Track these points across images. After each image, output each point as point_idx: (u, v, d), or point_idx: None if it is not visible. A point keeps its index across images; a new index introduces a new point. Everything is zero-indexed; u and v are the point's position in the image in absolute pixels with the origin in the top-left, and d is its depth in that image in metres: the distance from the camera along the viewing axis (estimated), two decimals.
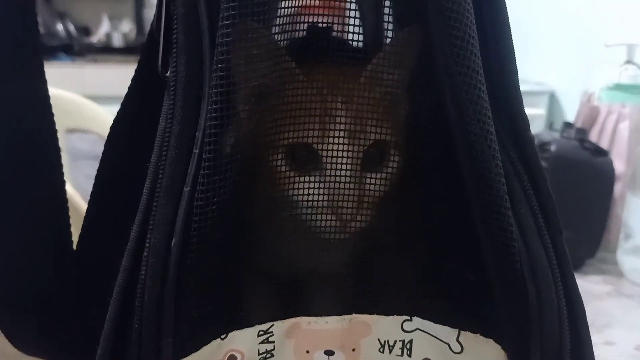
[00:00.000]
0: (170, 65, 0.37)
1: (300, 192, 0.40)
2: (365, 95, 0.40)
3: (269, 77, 0.38)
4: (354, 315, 0.43)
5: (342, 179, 0.40)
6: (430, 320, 0.43)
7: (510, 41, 0.40)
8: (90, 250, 0.45)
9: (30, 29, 0.44)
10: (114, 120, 0.43)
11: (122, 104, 0.43)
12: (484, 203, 0.37)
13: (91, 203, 0.44)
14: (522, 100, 0.40)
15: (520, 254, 0.37)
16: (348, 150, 0.40)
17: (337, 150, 0.40)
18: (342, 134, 0.40)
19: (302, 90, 0.39)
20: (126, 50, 3.07)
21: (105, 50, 3.06)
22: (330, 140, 0.40)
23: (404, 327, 0.43)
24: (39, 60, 0.45)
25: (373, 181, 0.41)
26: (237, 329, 0.40)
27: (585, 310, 0.40)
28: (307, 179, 0.41)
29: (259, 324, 0.41)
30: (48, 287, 0.45)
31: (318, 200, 0.40)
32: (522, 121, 0.40)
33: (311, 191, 0.40)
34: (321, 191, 0.40)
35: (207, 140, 0.35)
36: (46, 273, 0.46)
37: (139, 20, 3.16)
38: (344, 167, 0.40)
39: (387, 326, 0.43)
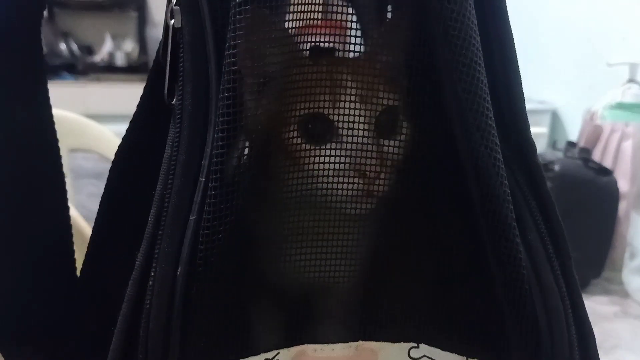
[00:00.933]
0: (176, 93, 0.37)
1: (319, 163, 0.40)
2: (369, 70, 0.40)
3: (277, 64, 0.38)
4: (360, 342, 0.42)
5: (360, 144, 0.40)
6: (437, 348, 0.42)
7: (517, 67, 0.40)
8: (94, 277, 0.45)
9: (35, 51, 0.44)
10: (119, 146, 0.43)
11: (128, 130, 0.43)
12: (493, 229, 0.37)
13: (95, 230, 0.44)
14: (530, 127, 0.40)
15: (530, 280, 0.37)
16: (361, 115, 0.40)
17: (350, 115, 0.39)
18: (352, 98, 0.39)
19: (310, 69, 0.39)
20: (129, 69, 3.09)
21: (108, 69, 3.08)
22: (342, 106, 0.39)
23: (411, 355, 0.43)
24: (43, 83, 0.45)
25: (388, 148, 0.41)
26: (242, 357, 0.40)
27: (595, 338, 0.39)
28: (324, 148, 0.40)
29: (265, 351, 0.41)
30: (50, 315, 0.45)
31: (339, 168, 0.40)
32: (530, 147, 0.40)
33: (330, 159, 0.40)
34: (341, 158, 0.40)
35: (214, 169, 0.35)
36: (48, 300, 0.45)
37: (141, 40, 3.19)
38: (358, 132, 0.40)
39: (394, 353, 0.42)
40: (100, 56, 3.14)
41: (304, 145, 0.40)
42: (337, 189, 0.40)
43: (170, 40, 0.38)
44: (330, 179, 0.40)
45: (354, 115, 0.39)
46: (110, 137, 1.26)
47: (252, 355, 0.40)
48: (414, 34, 0.39)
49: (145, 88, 0.42)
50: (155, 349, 0.35)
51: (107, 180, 0.43)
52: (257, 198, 0.39)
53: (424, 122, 0.41)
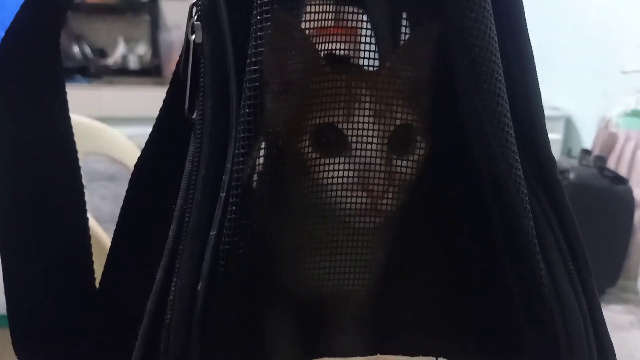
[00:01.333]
0: (196, 107, 0.37)
1: (329, 174, 0.39)
2: (388, 86, 0.40)
3: (297, 71, 0.38)
4: (378, 355, 0.42)
5: (370, 159, 0.39)
6: None
7: (536, 80, 0.39)
8: (112, 286, 0.45)
9: (53, 58, 0.44)
10: (139, 158, 0.43)
11: (147, 142, 0.43)
12: (513, 246, 0.37)
13: (114, 242, 0.44)
14: (549, 141, 0.40)
15: (551, 298, 0.37)
16: (374, 129, 0.39)
17: (363, 129, 0.39)
18: (367, 112, 0.39)
19: (328, 78, 0.39)
20: (142, 72, 3.09)
21: (121, 72, 3.09)
22: (356, 120, 0.39)
23: None
24: (62, 90, 0.45)
25: (400, 168, 0.40)
26: None
27: (615, 355, 0.39)
28: (334, 160, 0.39)
29: None
30: (67, 321, 0.45)
31: (347, 182, 0.39)
32: (550, 162, 0.39)
33: (340, 172, 0.39)
34: (350, 172, 0.39)
35: (234, 184, 0.35)
36: (65, 306, 0.45)
37: (154, 43, 3.19)
38: (370, 146, 0.39)
39: None
40: (113, 59, 3.15)
41: (315, 155, 0.40)
42: (345, 203, 0.39)
43: (191, 54, 0.38)
44: (339, 192, 0.39)
45: (368, 130, 0.39)
46: (122, 140, 1.27)
47: None
48: (435, 48, 0.39)
49: (164, 101, 0.42)
50: None
51: (127, 191, 0.43)
52: (273, 208, 0.39)
53: (441, 138, 0.41)
